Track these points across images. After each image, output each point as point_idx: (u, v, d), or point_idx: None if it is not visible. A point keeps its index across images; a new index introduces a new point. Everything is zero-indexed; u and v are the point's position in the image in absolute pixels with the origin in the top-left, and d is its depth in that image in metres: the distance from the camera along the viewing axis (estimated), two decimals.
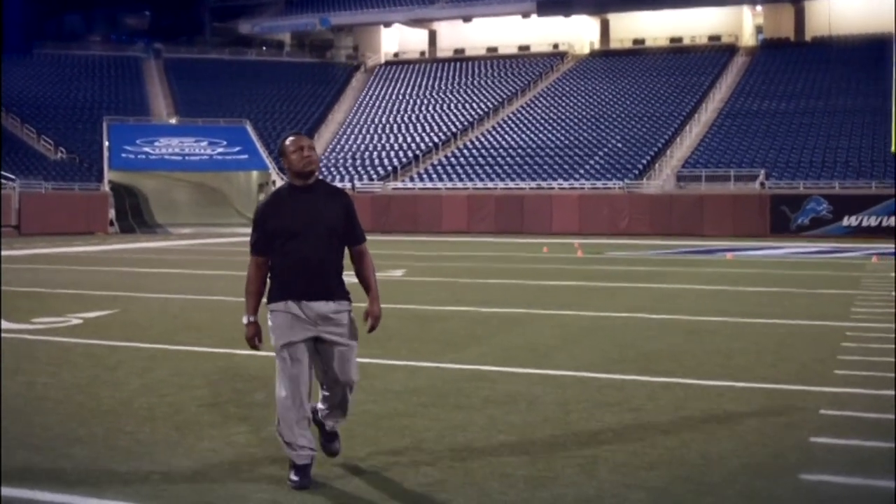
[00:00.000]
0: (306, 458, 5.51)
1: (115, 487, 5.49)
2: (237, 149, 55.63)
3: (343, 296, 5.58)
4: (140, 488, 5.48)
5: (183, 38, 75.87)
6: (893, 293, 17.21)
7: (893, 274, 21.83)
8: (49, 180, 49.86)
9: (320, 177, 5.72)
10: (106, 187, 51.06)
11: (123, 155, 53.62)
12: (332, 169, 54.96)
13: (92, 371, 9.33)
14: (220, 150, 55.55)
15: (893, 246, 30.95)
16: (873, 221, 41.49)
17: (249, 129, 57.64)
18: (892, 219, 41.11)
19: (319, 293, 5.48)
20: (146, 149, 54.57)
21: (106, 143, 54.09)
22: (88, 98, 62.35)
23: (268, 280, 5.66)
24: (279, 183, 53.51)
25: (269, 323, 5.56)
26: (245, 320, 5.66)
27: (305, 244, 5.43)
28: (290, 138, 5.56)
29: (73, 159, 54.16)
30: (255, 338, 5.70)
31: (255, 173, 56.09)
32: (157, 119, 60.92)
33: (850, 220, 41.91)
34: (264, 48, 76.68)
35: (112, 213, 50.33)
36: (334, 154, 58.10)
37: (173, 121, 60.46)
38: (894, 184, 41.72)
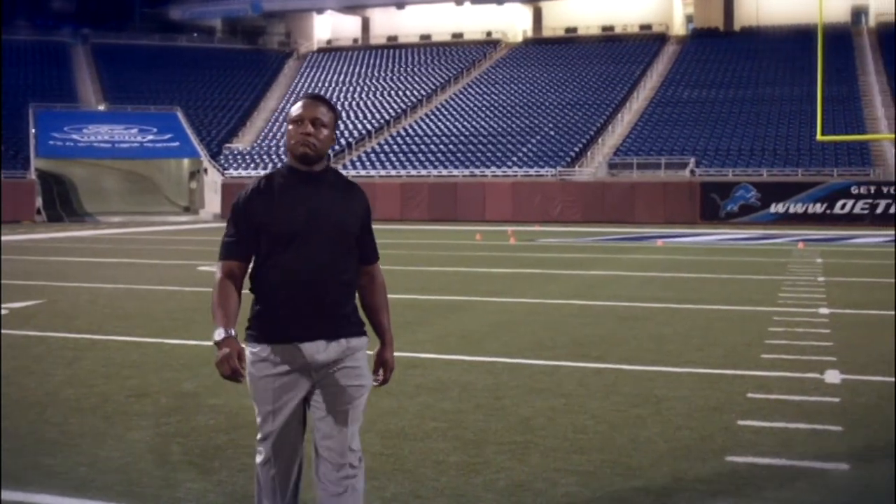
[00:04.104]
0: None
1: (41, 480, 5.40)
2: (168, 136, 54.93)
3: (357, 330, 3.99)
4: (66, 480, 5.40)
5: (111, 23, 74.65)
6: (821, 279, 17.56)
7: (819, 260, 22.27)
8: None
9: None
10: (32, 175, 50.06)
11: (51, 142, 52.67)
12: (265, 157, 54.52)
13: (18, 362, 9.15)
14: (151, 137, 54.82)
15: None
16: (800, 208, 42.23)
17: (180, 116, 56.96)
18: (819, 206, 41.86)
19: (324, 327, 3.87)
20: (74, 136, 53.64)
21: (32, 130, 53.08)
22: (13, 84, 60.90)
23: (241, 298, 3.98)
24: (211, 171, 53.46)
25: (247, 370, 3.86)
26: (216, 336, 3.75)
27: (306, 253, 3.82)
28: (298, 102, 3.94)
29: None
30: (230, 361, 3.70)
31: (186, 161, 55.47)
32: (85, 106, 59.87)
33: (777, 207, 42.61)
34: (195, 34, 75.76)
35: (39, 202, 49.41)
36: (266, 142, 57.64)
37: (102, 107, 59.50)
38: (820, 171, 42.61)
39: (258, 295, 3.90)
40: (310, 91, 65.29)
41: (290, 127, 3.88)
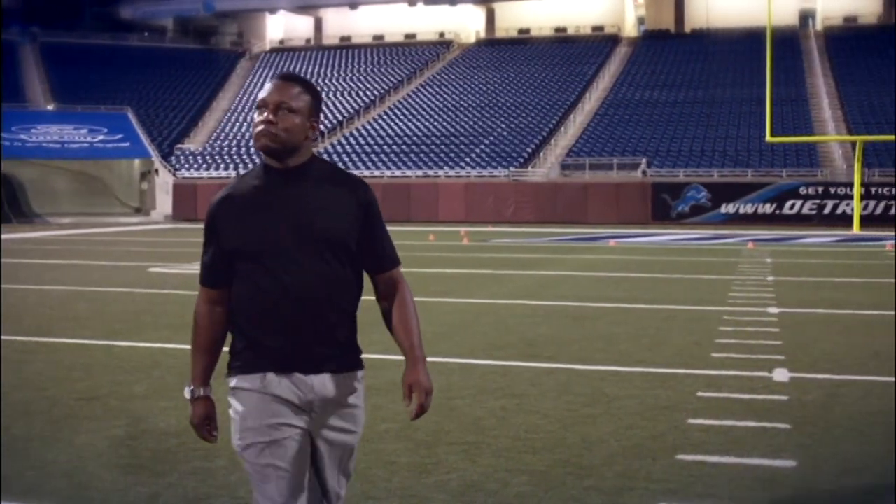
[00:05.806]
0: None
1: None
2: (118, 136, 54.35)
3: (355, 362, 3.35)
4: (12, 486, 5.33)
5: (61, 21, 73.72)
6: (770, 278, 17.76)
7: (768, 260, 22.52)
8: None
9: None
10: None
11: None
12: (217, 158, 54.17)
13: None
14: (101, 137, 54.21)
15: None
16: (749, 209, 42.67)
17: (131, 116, 56.40)
18: (768, 206, 42.33)
19: (316, 358, 3.18)
20: (22, 136, 52.95)
21: None
22: None
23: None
24: (163, 172, 53.01)
25: (232, 410, 3.19)
26: (188, 394, 3.29)
27: (288, 270, 3.12)
28: (266, 84, 3.22)
29: None
30: (205, 424, 3.29)
31: (137, 161, 54.90)
32: (33, 105, 59.07)
33: (727, 208, 43.02)
34: (146, 34, 75.04)
35: None
36: (218, 143, 57.26)
37: (51, 107, 58.74)
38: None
39: (238, 324, 3.21)
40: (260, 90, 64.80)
41: (255, 114, 3.19)
